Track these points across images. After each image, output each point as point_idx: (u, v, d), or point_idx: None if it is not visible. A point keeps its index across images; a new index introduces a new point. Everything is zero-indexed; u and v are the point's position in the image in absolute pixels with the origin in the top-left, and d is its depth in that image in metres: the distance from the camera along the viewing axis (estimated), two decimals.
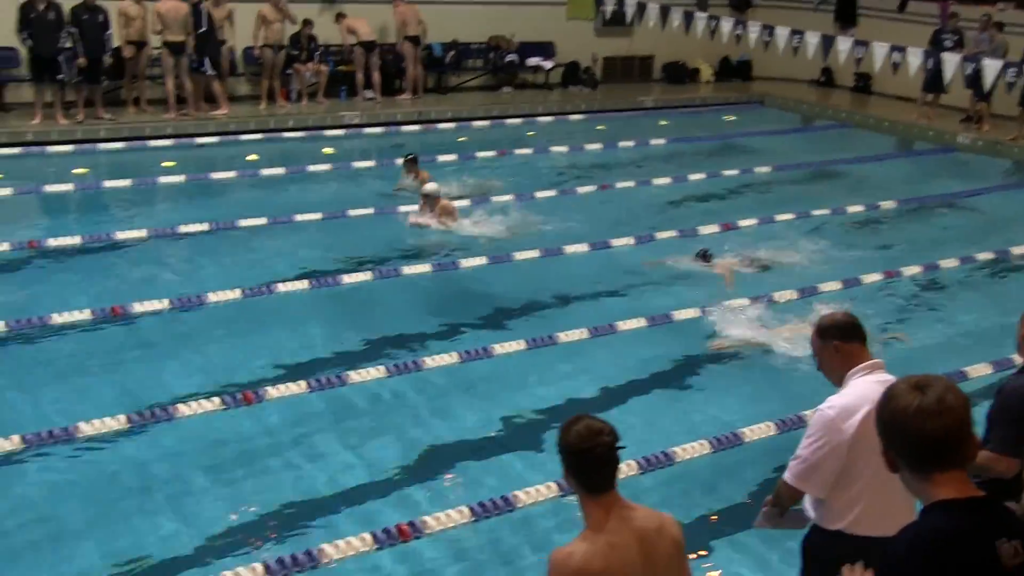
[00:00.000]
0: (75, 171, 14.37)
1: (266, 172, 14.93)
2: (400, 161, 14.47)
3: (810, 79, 23.87)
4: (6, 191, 13.28)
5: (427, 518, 6.44)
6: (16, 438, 7.16)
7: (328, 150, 16.39)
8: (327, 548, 6.11)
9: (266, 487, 6.95)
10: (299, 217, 12.68)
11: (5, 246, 11.10)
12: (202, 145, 16.36)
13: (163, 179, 14.25)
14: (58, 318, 9.21)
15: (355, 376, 8.35)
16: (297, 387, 8.12)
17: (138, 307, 9.58)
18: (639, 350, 9.41)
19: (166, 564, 6.11)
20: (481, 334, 9.51)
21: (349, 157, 16.19)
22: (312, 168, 15.28)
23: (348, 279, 10.68)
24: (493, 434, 7.80)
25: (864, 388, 4.42)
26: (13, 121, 16.11)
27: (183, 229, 12.02)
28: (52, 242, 11.33)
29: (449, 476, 7.18)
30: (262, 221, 12.29)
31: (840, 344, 4.60)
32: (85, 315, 9.33)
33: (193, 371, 8.52)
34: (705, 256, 11.56)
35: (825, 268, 11.80)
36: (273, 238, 11.99)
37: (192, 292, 10.03)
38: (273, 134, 17.32)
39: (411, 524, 6.36)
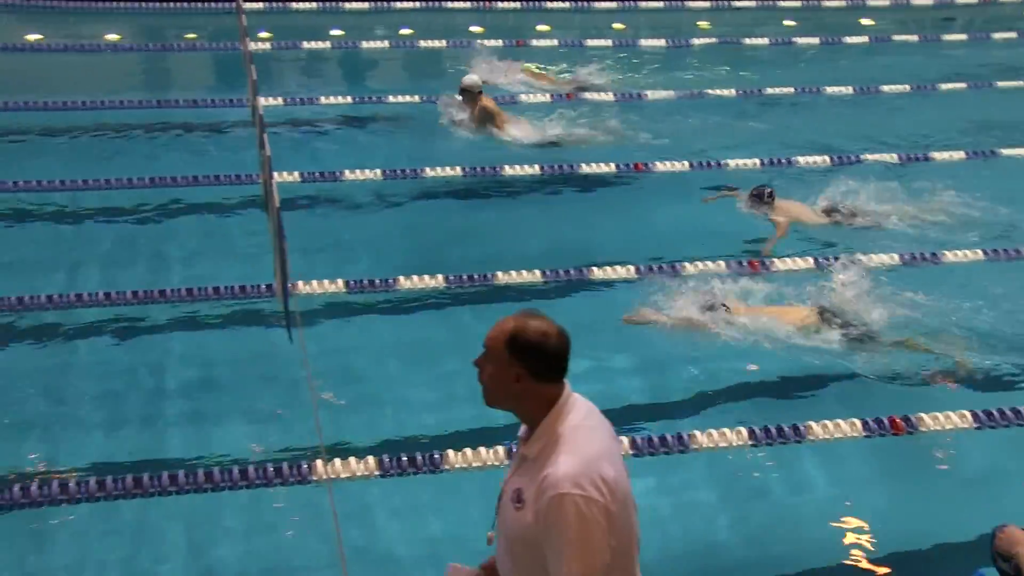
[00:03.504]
0: (614, 26, 14.95)
1: (802, 41, 14.58)
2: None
3: None
4: (552, 43, 14.11)
5: (924, 415, 6.18)
6: (537, 272, 7.85)
7: (866, 21, 15.66)
8: (814, 426, 6.11)
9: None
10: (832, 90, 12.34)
11: (546, 98, 11.84)
12: (739, 8, 16.24)
13: (696, 41, 14.43)
14: (585, 168, 9.78)
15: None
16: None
17: (659, 166, 9.91)
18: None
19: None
20: None
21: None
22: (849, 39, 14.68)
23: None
24: None
25: (588, 439, 3.23)
26: None
27: (770, 91, 12.16)
28: (588, 97, 11.91)
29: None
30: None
31: (526, 377, 3.20)
32: (610, 168, 9.83)
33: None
34: (761, 196, 8.84)
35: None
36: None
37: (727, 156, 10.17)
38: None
39: (906, 419, 6.17)
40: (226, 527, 5.51)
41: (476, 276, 7.77)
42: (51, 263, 8.00)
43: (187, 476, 5.56)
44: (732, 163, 10.01)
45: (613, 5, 16.10)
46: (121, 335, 7.14)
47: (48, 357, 6.90)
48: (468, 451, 5.85)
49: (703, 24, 15.27)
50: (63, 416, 6.31)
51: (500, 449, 5.89)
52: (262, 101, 7.64)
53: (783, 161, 10.13)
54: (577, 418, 3.23)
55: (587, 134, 10.72)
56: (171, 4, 14.70)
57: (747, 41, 14.50)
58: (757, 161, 10.07)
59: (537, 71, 12.57)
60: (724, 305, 7.24)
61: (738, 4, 16.35)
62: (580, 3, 16.06)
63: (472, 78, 10.82)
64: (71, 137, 10.29)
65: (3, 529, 5.39)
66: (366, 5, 15.34)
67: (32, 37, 13.05)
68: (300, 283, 7.40)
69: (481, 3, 15.76)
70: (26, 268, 7.90)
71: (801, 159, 10.19)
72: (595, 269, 7.93)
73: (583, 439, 3.19)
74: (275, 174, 6.11)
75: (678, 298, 7.38)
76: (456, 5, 15.64)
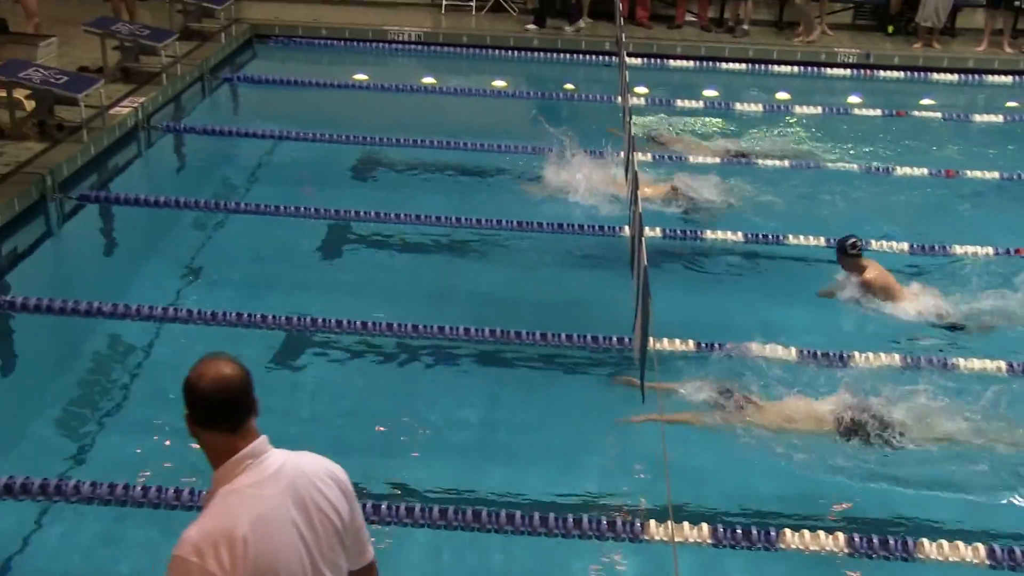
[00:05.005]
0: (1009, 104, 14.02)
1: None
2: None
3: None
4: (935, 115, 13.41)
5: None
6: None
7: None
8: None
9: None
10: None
11: (923, 171, 11.25)
12: None
13: None
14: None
15: None
16: None
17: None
18: None
19: None
20: None
21: None
22: None
23: None
24: None
25: (240, 506, 3.02)
26: (957, 46, 16.11)
27: None
28: (970, 174, 11.20)
29: None
30: None
31: (191, 421, 3.07)
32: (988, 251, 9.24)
33: None
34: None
35: None
36: None
37: None
38: None
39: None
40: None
41: (831, 354, 7.48)
42: (423, 293, 8.51)
43: (523, 518, 5.67)
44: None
45: (1007, 80, 15.12)
46: (474, 369, 7.45)
47: (405, 382, 7.32)
48: (806, 533, 5.63)
49: None
50: (410, 439, 6.66)
51: (841, 536, 5.62)
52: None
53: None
54: (246, 481, 3.06)
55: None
56: (557, 55, 15.36)
57: None
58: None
59: (676, 135, 11.98)
60: (747, 399, 6.72)
61: None
62: (970, 76, 15.21)
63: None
64: (451, 175, 10.93)
65: None
66: (743, 67, 15.31)
67: (427, 80, 14.03)
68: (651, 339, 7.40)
69: (862, 71, 15.28)
70: (400, 296, 8.43)
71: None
72: None
73: (234, 506, 3.02)
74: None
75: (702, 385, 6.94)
76: (837, 72, 15.26)
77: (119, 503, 5.74)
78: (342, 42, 15.60)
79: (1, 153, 9.37)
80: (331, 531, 3.19)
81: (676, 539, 5.45)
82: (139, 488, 5.77)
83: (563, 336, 7.54)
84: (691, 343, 7.52)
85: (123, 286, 8.32)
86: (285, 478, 3.12)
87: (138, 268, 8.88)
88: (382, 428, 6.74)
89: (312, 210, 9.56)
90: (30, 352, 7.77)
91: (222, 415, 3.05)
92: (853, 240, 8.35)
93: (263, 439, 3.12)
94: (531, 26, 15.86)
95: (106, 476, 5.85)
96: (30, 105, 10.39)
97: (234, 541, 2.96)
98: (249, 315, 7.66)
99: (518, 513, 5.69)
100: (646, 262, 4.57)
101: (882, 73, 15.28)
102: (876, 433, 6.56)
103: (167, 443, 6.43)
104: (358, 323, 7.64)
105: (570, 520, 5.66)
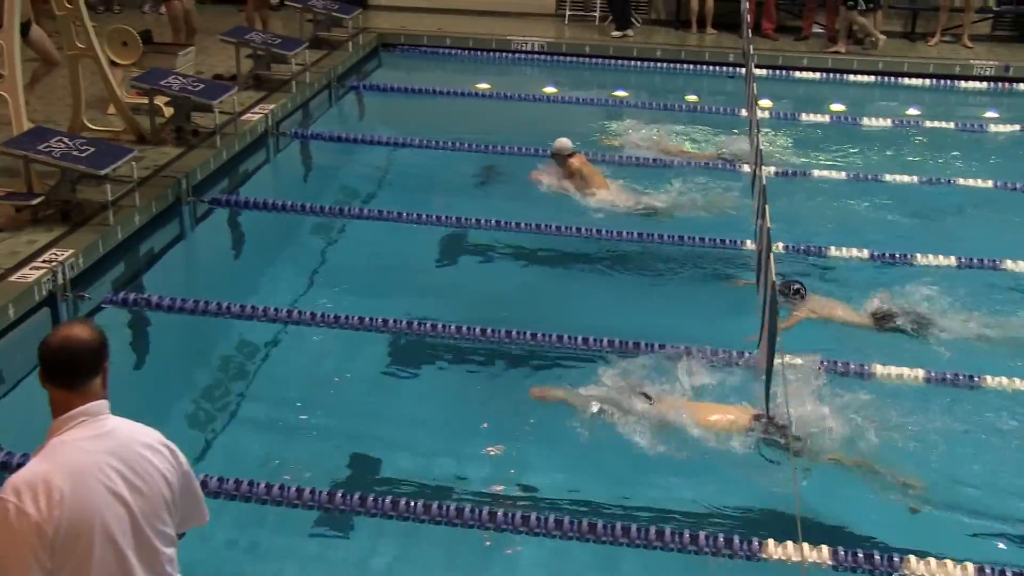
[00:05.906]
0: None
1: None
2: None
3: None
4: None
5: None
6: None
7: None
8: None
9: None
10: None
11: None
12: None
13: None
14: None
15: None
16: None
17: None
18: None
19: None
20: None
21: None
22: None
23: None
24: None
25: (65, 455, 3.18)
26: None
27: None
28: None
29: None
30: None
31: (43, 382, 3.28)
32: None
33: None
34: (786, 292, 7.87)
35: None
36: None
37: None
38: None
39: None
40: None
41: (955, 375, 7.25)
42: (541, 301, 8.57)
43: (639, 531, 5.64)
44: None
45: None
46: (587, 377, 7.42)
47: (524, 388, 7.30)
48: (932, 560, 5.46)
49: None
50: (524, 444, 6.67)
51: (970, 566, 5.43)
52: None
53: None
54: (77, 435, 3.22)
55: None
56: (680, 65, 15.27)
57: None
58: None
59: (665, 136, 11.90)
60: (645, 394, 6.61)
61: None
62: None
63: (562, 142, 10.49)
64: None
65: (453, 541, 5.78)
66: (872, 79, 14.96)
67: (549, 90, 14.06)
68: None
69: (1000, 84, 14.78)
70: (519, 303, 8.48)
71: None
72: None
73: (59, 455, 3.17)
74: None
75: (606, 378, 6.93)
76: (972, 86, 14.79)
77: (244, 499, 5.88)
78: (466, 51, 15.78)
79: (142, 157, 9.69)
80: (158, 496, 3.33)
81: (795, 559, 5.35)
82: (263, 485, 5.90)
83: (682, 348, 7.47)
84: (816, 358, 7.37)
85: (250, 287, 8.53)
86: (116, 440, 3.28)
87: (265, 270, 9.11)
88: (493, 428, 6.77)
89: (434, 217, 9.67)
90: (163, 349, 8.03)
91: (61, 372, 3.25)
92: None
93: (103, 403, 3.31)
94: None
95: (232, 473, 5.99)
96: (169, 111, 10.75)
97: (52, 488, 3.10)
98: (371, 319, 7.79)
99: (634, 526, 5.66)
100: (774, 277, 4.49)
101: (1022, 86, 14.75)
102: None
103: (289, 442, 6.58)
104: (477, 329, 7.70)
105: (686, 535, 5.61)
